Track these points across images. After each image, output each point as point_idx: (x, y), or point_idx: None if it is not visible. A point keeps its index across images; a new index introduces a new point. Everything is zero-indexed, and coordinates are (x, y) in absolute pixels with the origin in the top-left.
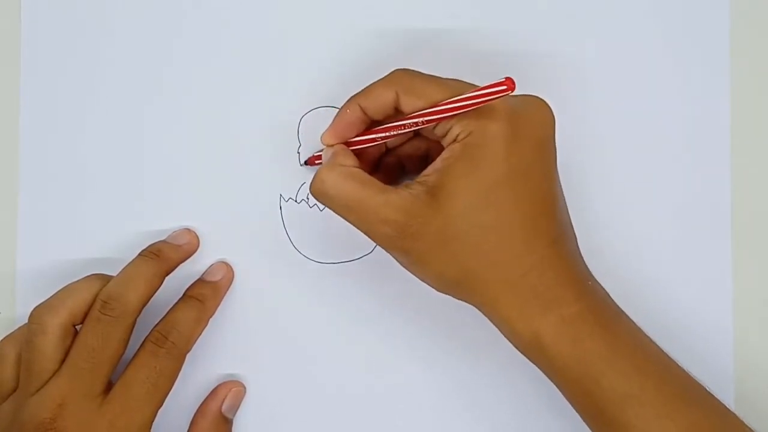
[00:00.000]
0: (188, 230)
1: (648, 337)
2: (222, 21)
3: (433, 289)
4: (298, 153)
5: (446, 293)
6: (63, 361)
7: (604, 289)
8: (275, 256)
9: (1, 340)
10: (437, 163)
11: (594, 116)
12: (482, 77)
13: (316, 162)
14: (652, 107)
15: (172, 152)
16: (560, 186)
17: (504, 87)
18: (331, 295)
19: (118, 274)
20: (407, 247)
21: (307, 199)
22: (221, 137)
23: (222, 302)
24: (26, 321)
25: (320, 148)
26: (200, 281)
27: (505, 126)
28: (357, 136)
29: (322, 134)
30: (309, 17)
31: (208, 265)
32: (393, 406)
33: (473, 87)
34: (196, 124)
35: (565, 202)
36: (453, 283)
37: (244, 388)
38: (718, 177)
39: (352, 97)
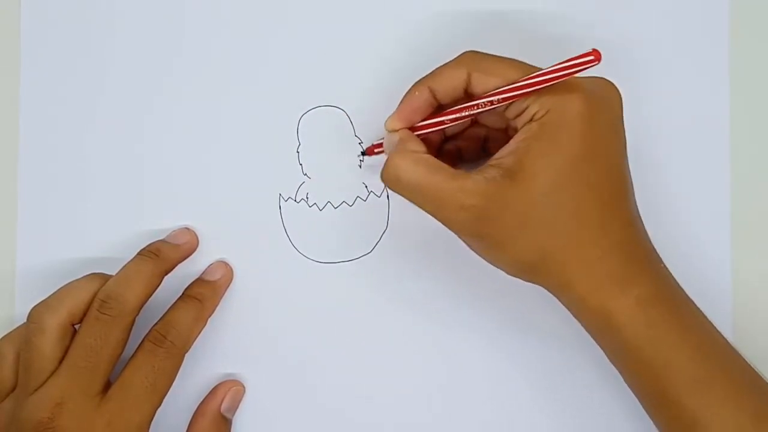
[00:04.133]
0: (187, 229)
1: (715, 326)
2: (222, 21)
3: (505, 273)
4: (298, 153)
5: (519, 276)
6: (62, 360)
7: (672, 275)
8: (275, 256)
9: (0, 340)
10: (512, 144)
11: None
12: None
13: (376, 151)
14: (652, 107)
15: (172, 152)
16: (629, 169)
17: (591, 57)
18: (330, 294)
19: (116, 274)
20: (485, 231)
21: (307, 198)
22: (221, 137)
23: (221, 302)
24: (25, 320)
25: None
26: (199, 281)
27: (584, 104)
28: (422, 120)
29: (387, 119)
30: (309, 17)
31: (207, 265)
32: (392, 405)
33: (541, 69)
34: (196, 123)
35: (633, 187)
36: (529, 265)
37: (244, 387)
38: (718, 177)
39: (420, 80)
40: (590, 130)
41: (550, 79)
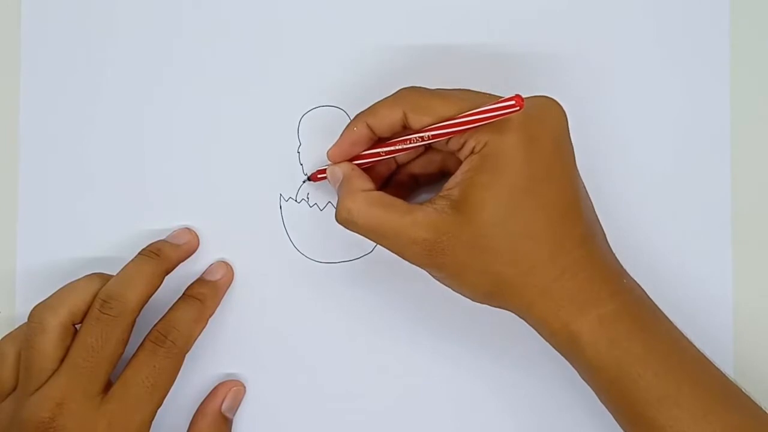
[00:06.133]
0: (188, 229)
1: (684, 335)
2: (222, 21)
3: (470, 300)
4: (298, 153)
5: (483, 303)
6: (63, 360)
7: (640, 286)
8: (275, 256)
9: (1, 339)
10: (457, 176)
11: (594, 117)
12: (486, 82)
13: (319, 176)
14: (652, 107)
15: (172, 151)
16: (583, 184)
17: (512, 103)
18: (330, 294)
19: (117, 274)
20: (439, 263)
21: (307, 198)
22: (221, 137)
23: (222, 302)
24: (26, 320)
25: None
26: (200, 280)
27: (520, 132)
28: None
29: (328, 150)
30: (309, 17)
31: (208, 265)
32: (392, 405)
33: (481, 96)
34: (196, 123)
35: (590, 200)
36: (487, 293)
37: (244, 387)
38: (718, 177)
39: (358, 115)
40: (530, 155)
41: (477, 121)
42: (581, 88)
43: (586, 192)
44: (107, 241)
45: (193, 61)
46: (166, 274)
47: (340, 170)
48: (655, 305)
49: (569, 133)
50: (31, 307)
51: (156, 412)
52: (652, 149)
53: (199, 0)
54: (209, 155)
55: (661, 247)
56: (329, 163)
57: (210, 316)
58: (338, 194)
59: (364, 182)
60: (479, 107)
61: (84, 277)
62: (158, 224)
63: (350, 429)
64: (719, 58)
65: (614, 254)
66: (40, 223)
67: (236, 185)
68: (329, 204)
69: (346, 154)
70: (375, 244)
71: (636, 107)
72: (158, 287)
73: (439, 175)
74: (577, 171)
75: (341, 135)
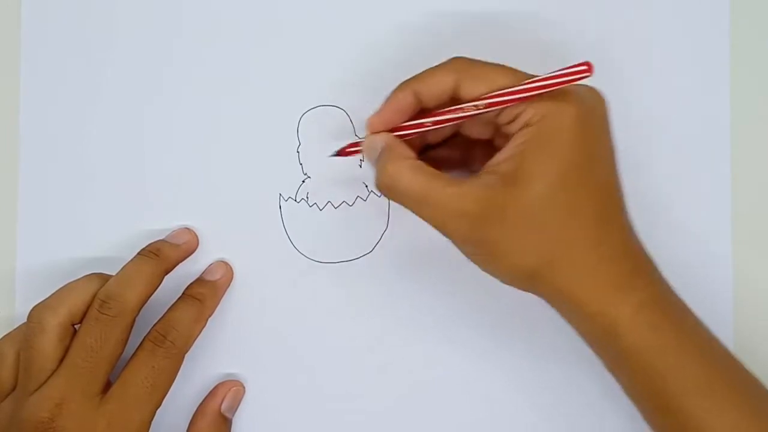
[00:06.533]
0: (187, 229)
1: (710, 330)
2: (222, 21)
3: (502, 282)
4: (298, 152)
5: (515, 285)
6: (62, 360)
7: (668, 280)
8: (275, 256)
9: (0, 339)
10: (508, 150)
11: None
12: None
13: (349, 150)
14: (652, 107)
15: (172, 151)
16: (621, 176)
17: (584, 68)
18: (330, 294)
19: (117, 274)
20: (483, 238)
21: (307, 198)
22: (221, 137)
23: (221, 301)
24: (25, 320)
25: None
26: (199, 280)
27: (579, 111)
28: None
29: (369, 119)
30: (309, 17)
31: (208, 265)
32: (392, 405)
33: (532, 76)
34: (196, 123)
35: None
36: (527, 273)
37: (244, 387)
38: (718, 177)
39: (404, 82)
40: (586, 136)
41: (541, 86)
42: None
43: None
44: (107, 241)
45: (193, 61)
46: (166, 274)
47: (380, 139)
48: (683, 299)
49: (610, 122)
50: (31, 307)
51: (155, 412)
52: (652, 149)
53: (199, 0)
54: (209, 155)
55: (662, 247)
56: (357, 138)
57: (209, 316)
58: (376, 164)
59: (407, 150)
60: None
61: (83, 277)
62: (158, 224)
63: (350, 429)
64: (719, 58)
65: (646, 248)
66: (40, 223)
67: (236, 185)
68: (329, 203)
69: (387, 123)
70: (375, 243)
71: (636, 107)
72: (157, 287)
73: (459, 164)
74: (618, 163)
75: (384, 103)
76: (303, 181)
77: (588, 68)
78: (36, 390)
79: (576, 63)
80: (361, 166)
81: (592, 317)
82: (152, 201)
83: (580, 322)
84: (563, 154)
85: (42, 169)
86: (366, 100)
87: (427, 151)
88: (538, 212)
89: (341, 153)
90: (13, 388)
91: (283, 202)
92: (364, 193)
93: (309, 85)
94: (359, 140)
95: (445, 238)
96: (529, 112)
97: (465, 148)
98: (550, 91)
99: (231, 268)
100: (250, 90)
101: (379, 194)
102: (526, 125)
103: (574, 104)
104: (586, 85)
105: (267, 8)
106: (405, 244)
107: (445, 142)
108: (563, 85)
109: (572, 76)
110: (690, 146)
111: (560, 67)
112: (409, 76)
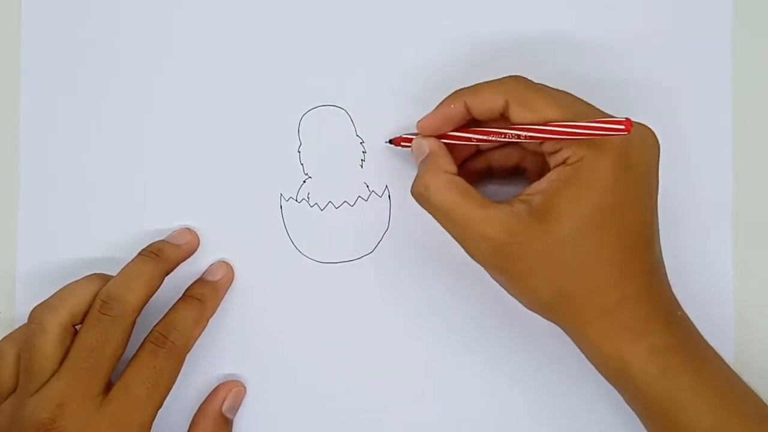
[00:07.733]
0: (188, 230)
1: (729, 366)
2: (222, 21)
3: (522, 305)
4: (299, 152)
5: (536, 312)
6: (63, 361)
7: (690, 319)
8: (275, 256)
9: (1, 340)
10: (543, 183)
11: None
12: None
13: (402, 143)
14: (652, 107)
15: (172, 151)
16: (657, 215)
17: (622, 127)
18: (331, 294)
19: (117, 274)
20: (504, 266)
21: (308, 198)
22: (221, 137)
23: (222, 302)
24: (26, 320)
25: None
26: (200, 281)
27: (618, 155)
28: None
29: (419, 121)
30: (309, 17)
31: (208, 265)
32: (393, 406)
33: (584, 104)
34: (196, 123)
35: (659, 231)
36: (546, 304)
37: (245, 388)
38: (718, 177)
39: (457, 91)
40: (621, 179)
41: (580, 133)
42: (579, 88)
43: (658, 223)
44: (107, 241)
45: (193, 61)
46: (167, 274)
47: (427, 145)
48: (703, 338)
49: (658, 166)
50: (31, 308)
51: (156, 412)
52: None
53: (199, 0)
54: (209, 155)
55: (662, 246)
56: (407, 135)
57: (210, 316)
58: (419, 167)
59: (449, 164)
60: (582, 116)
61: (84, 277)
62: (159, 224)
63: (350, 429)
64: (720, 57)
65: (671, 287)
66: (40, 223)
67: (236, 185)
68: (330, 204)
69: (435, 129)
70: (376, 244)
71: (636, 107)
72: (158, 288)
73: (513, 171)
74: (657, 202)
75: (436, 108)
76: (304, 182)
77: (626, 128)
78: (37, 391)
79: (618, 119)
80: (362, 167)
81: (605, 357)
82: (153, 201)
83: (594, 359)
84: (594, 198)
85: (42, 169)
86: (367, 100)
87: (478, 155)
88: (561, 250)
89: (395, 142)
90: (14, 389)
91: (284, 203)
92: (365, 194)
93: (310, 84)
94: (412, 136)
95: (445, 239)
96: (568, 151)
97: (520, 156)
98: (584, 138)
99: (232, 268)
100: (251, 90)
101: (380, 194)
102: (564, 163)
103: (614, 150)
104: (639, 124)
105: (267, 8)
106: (406, 245)
107: (500, 147)
108: (597, 137)
109: (610, 131)
110: (690, 146)
111: (603, 118)
112: (408, 76)
